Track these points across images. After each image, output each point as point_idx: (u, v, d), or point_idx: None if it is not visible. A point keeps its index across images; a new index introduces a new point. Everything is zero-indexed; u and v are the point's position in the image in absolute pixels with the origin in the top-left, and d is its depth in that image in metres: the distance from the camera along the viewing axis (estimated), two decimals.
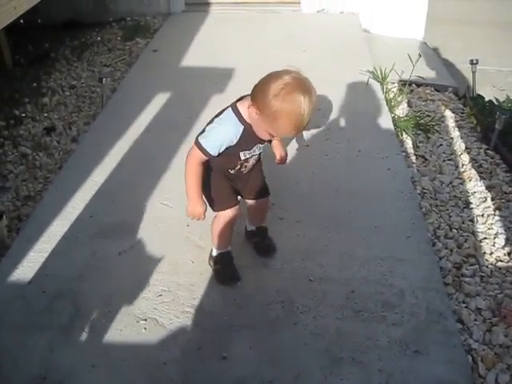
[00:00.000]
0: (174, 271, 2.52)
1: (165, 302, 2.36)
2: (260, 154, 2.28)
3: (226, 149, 2.11)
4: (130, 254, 2.62)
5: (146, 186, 3.07)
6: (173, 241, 2.69)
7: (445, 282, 2.54)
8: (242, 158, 2.19)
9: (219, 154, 2.11)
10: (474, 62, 4.36)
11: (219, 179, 2.29)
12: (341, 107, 3.87)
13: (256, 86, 1.99)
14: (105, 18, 5.96)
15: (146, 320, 2.28)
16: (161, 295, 2.39)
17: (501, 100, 4.26)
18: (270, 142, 2.30)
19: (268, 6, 5.53)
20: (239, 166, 2.23)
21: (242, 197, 2.44)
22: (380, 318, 2.28)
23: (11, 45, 4.91)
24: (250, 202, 2.49)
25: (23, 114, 4.17)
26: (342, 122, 3.70)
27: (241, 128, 2.08)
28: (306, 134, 3.51)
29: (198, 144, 2.10)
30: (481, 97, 4.27)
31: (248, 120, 2.07)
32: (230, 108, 2.11)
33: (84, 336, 2.22)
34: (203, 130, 2.15)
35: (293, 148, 3.37)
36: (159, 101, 3.99)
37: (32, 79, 4.70)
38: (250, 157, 2.22)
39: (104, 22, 5.92)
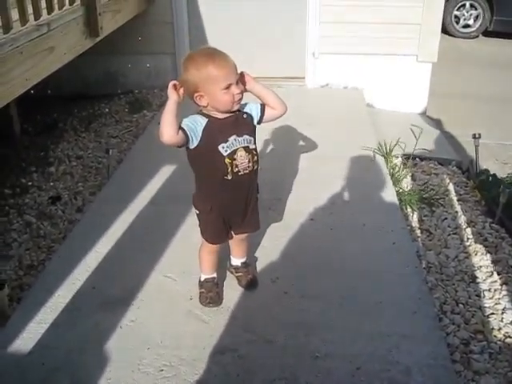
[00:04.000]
0: (176, 345, 2.47)
1: (166, 377, 2.30)
2: (254, 158, 2.39)
3: (200, 143, 2.27)
4: (132, 327, 2.58)
5: (150, 257, 3.05)
6: (175, 314, 2.66)
7: (453, 359, 2.48)
8: (224, 153, 2.29)
9: (198, 148, 2.29)
10: (477, 136, 4.42)
11: (217, 218, 2.48)
12: (345, 181, 3.89)
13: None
14: (114, 90, 6.10)
15: None
16: (162, 370, 2.34)
17: (504, 174, 4.29)
18: (253, 126, 2.44)
19: (274, 82, 5.65)
20: (230, 167, 2.31)
21: (233, 234, 2.63)
22: None
23: (20, 114, 5.00)
24: (241, 235, 2.66)
25: (29, 183, 4.20)
26: (347, 196, 3.72)
27: (205, 120, 2.29)
28: (311, 208, 3.52)
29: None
30: (484, 171, 4.31)
31: (207, 111, 2.30)
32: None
33: None
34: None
35: (297, 222, 3.37)
36: (165, 173, 4.02)
37: (39, 148, 4.77)
38: (233, 152, 2.31)
39: (113, 94, 6.05)
